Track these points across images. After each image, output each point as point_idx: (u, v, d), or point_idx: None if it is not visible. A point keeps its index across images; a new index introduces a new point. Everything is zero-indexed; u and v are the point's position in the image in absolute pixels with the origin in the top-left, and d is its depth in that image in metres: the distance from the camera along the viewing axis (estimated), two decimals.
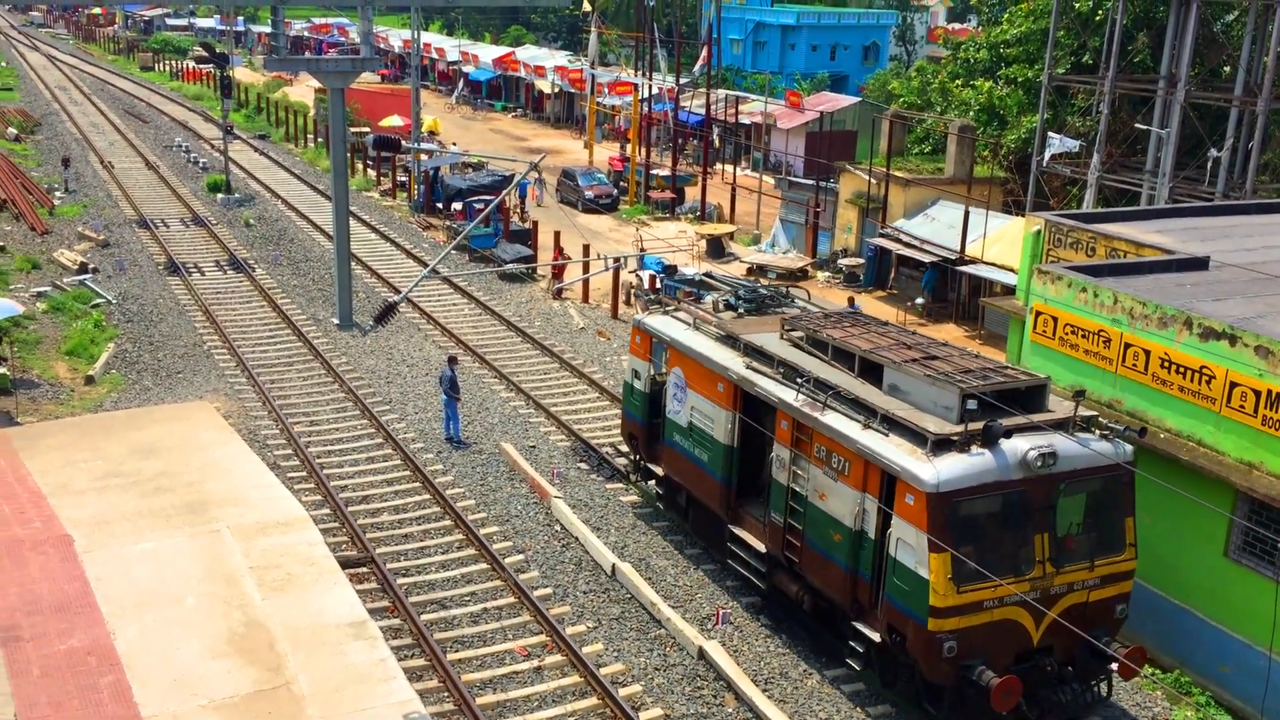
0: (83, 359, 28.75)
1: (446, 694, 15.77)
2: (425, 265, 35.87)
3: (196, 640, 14.72)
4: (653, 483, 21.28)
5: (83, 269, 35.79)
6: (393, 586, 18.13)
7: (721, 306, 19.99)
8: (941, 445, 14.39)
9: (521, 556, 19.59)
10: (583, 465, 23.13)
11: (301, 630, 15.05)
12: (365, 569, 18.76)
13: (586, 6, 64.57)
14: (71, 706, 13.30)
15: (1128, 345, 17.39)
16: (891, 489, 14.74)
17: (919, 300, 34.63)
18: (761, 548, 17.58)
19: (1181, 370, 16.60)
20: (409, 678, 14.89)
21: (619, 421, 23.17)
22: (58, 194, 47.39)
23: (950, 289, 34.53)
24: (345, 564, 17.90)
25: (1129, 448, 15.31)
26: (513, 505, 21.46)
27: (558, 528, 20.66)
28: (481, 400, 26.30)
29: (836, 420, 15.65)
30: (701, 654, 16.71)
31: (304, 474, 22.45)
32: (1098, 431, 15.25)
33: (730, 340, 18.43)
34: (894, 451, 14.67)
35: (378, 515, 20.99)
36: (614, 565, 19.01)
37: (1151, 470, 16.90)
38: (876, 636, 15.28)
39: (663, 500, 21.16)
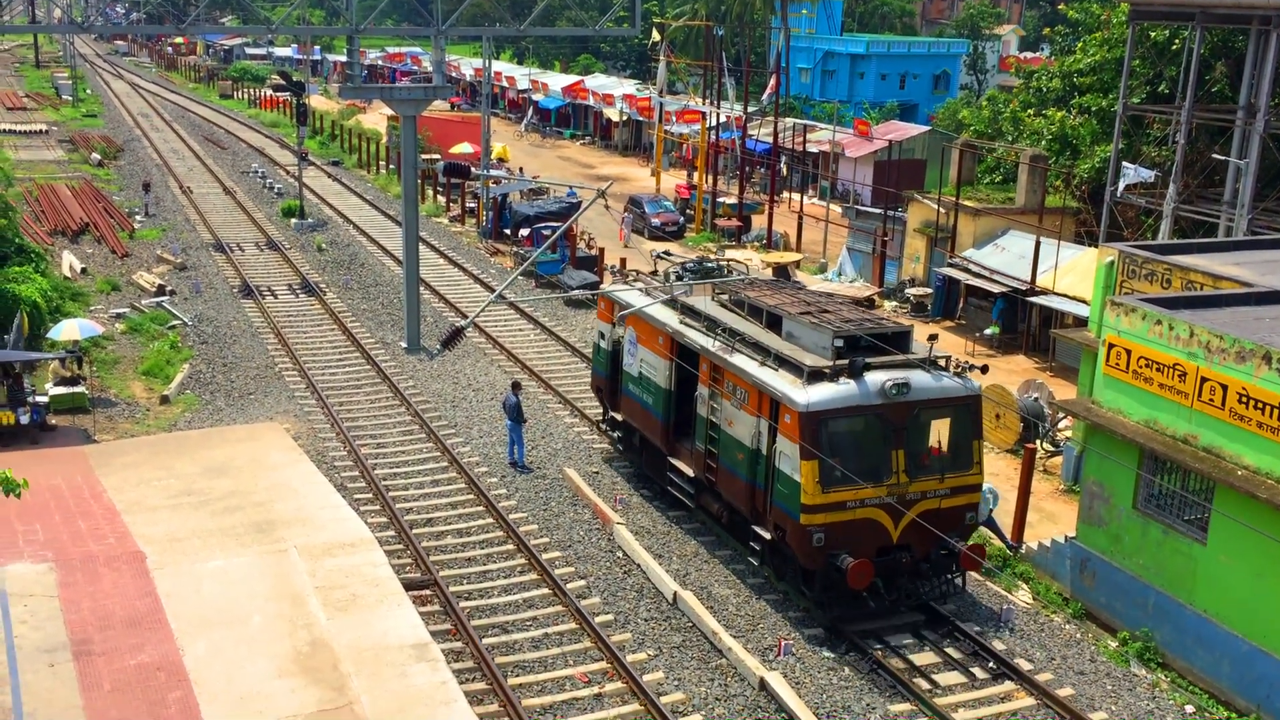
0: (159, 379, 29.38)
1: (507, 718, 15.78)
2: (492, 291, 36.19)
3: (263, 659, 14.89)
4: (618, 433, 24.39)
5: (160, 291, 36.62)
6: (455, 609, 18.21)
7: (673, 277, 23.35)
8: (815, 376, 17.80)
9: (583, 582, 19.58)
10: (645, 491, 23.10)
11: (365, 651, 15.18)
12: (428, 591, 18.88)
13: (655, 36, 65.00)
14: None
15: (1204, 379, 17.00)
16: (777, 412, 18.04)
17: (988, 331, 34.19)
18: (691, 473, 21.06)
19: (1260, 406, 16.18)
20: (470, 701, 14.94)
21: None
22: (138, 218, 48.61)
23: (1020, 320, 34.06)
24: (409, 586, 18.03)
25: (976, 383, 18.70)
26: (575, 531, 21.49)
27: (620, 554, 20.64)
28: (546, 425, 26.41)
29: (741, 360, 19.20)
30: (763, 685, 16.55)
31: (370, 495, 22.69)
32: (951, 369, 18.52)
33: (671, 302, 21.98)
34: (779, 381, 18.14)
35: (441, 538, 21.12)
36: (676, 593, 18.93)
37: (1230, 508, 16.50)
38: (768, 535, 18.63)
39: (622, 442, 24.34)
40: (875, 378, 17.76)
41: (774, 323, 19.74)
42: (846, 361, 17.88)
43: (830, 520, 17.49)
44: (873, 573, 17.40)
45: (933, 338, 19.10)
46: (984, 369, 18.96)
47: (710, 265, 23.85)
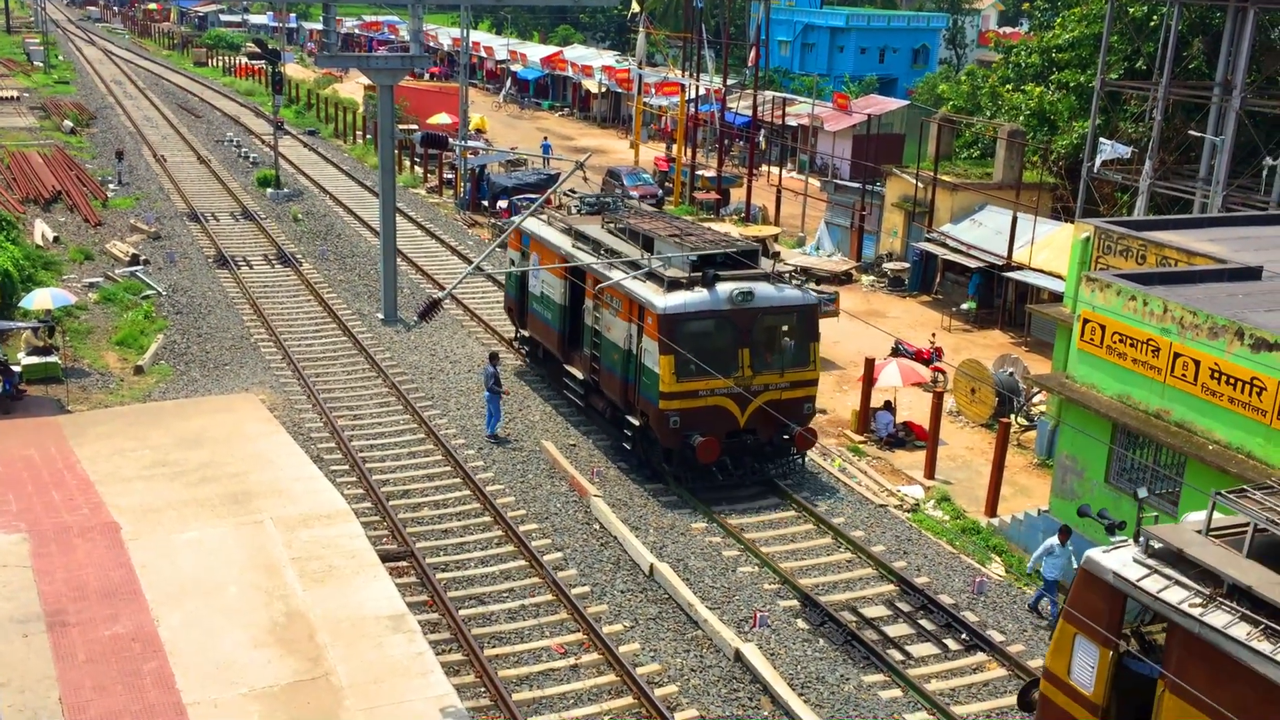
0: (132, 349, 29.16)
1: (483, 689, 15.83)
2: (470, 262, 36.05)
3: (238, 629, 14.89)
4: (526, 349, 28.11)
5: (134, 260, 36.29)
6: (432, 581, 18.23)
7: (572, 210, 27.12)
8: (673, 285, 21.09)
9: (560, 554, 19.63)
10: (622, 464, 23.15)
11: (341, 622, 15.19)
12: (405, 563, 18.89)
13: (635, 7, 64.56)
14: (115, 692, 13.50)
15: (1177, 355, 17.15)
16: (643, 316, 21.25)
17: (964, 305, 34.34)
18: (581, 376, 24.22)
19: (1232, 381, 16.34)
20: (446, 672, 14.99)
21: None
22: (111, 186, 48.10)
23: (996, 295, 34.22)
24: (385, 557, 18.05)
25: (814, 294, 22.63)
26: (552, 503, 21.52)
27: (596, 526, 20.69)
28: (523, 398, 26.40)
29: (619, 276, 22.28)
30: (738, 656, 16.66)
31: (346, 467, 22.63)
32: (792, 282, 22.05)
33: (567, 230, 25.41)
34: (645, 291, 21.41)
35: (418, 510, 21.11)
36: (652, 565, 19.01)
37: (1201, 482, 16.68)
38: (636, 422, 22.00)
39: (529, 357, 28.03)
40: (725, 287, 21.17)
41: (648, 244, 23.07)
42: (700, 273, 21.21)
43: (685, 406, 20.94)
44: (719, 450, 21.02)
45: (776, 254, 23.91)
46: (817, 281, 23.33)
47: (606, 200, 27.77)
